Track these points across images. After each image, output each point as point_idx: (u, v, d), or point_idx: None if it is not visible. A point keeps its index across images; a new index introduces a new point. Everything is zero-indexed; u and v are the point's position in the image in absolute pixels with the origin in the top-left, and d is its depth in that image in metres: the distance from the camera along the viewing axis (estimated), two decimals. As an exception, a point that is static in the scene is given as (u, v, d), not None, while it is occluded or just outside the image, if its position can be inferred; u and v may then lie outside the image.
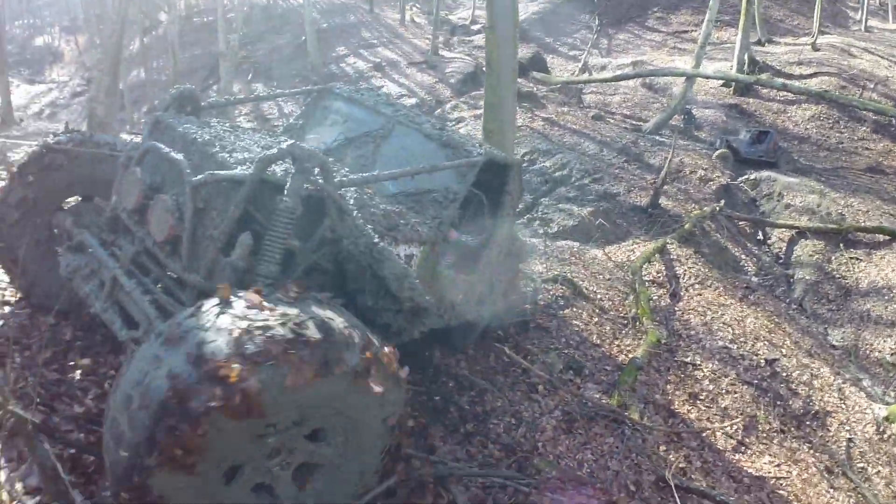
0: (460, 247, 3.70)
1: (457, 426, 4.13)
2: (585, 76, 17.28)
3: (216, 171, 2.44)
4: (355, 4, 25.45)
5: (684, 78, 14.36)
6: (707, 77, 14.83)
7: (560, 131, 14.42)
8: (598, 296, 8.20)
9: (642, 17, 23.12)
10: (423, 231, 3.23)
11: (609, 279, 8.72)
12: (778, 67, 17.84)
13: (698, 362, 7.15)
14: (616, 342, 7.09)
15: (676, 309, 8.20)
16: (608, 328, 7.34)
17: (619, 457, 4.64)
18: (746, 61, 16.36)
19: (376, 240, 2.52)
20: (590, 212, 11.58)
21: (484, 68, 19.68)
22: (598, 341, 6.90)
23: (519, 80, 17.31)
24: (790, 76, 16.94)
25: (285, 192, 2.34)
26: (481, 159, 3.69)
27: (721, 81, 16.20)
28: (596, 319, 7.35)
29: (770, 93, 16.22)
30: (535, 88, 16.81)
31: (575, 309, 7.38)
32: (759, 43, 19.53)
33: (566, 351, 6.29)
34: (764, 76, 15.07)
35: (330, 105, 4.14)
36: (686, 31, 21.79)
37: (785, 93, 15.41)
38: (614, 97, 16.17)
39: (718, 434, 5.88)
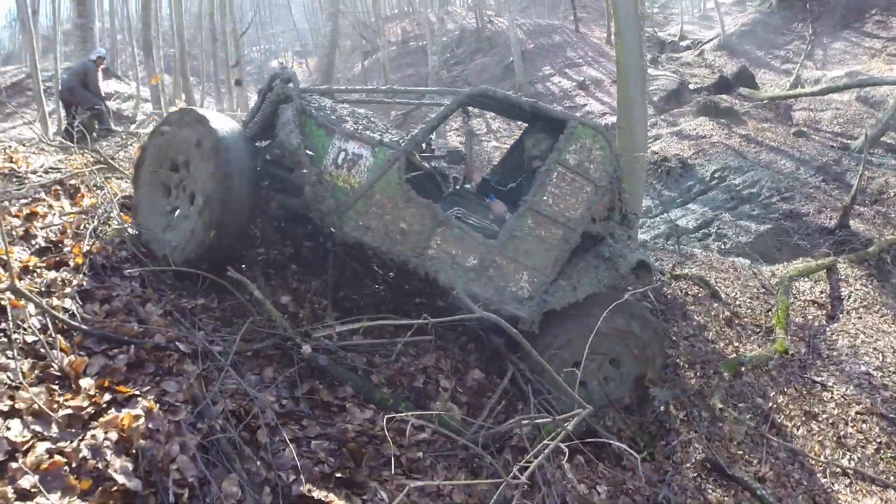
0: (497, 222, 4.02)
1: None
2: (792, 91, 16.36)
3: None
4: (561, 25, 26.99)
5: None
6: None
7: (757, 148, 14.12)
8: (737, 302, 8.41)
9: (860, 23, 20.56)
10: (375, 137, 3.72)
11: (759, 292, 8.81)
12: None
13: (830, 384, 6.91)
14: (735, 345, 7.25)
15: (828, 329, 8.00)
16: (733, 332, 7.57)
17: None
18: None
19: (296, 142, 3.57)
20: (768, 229, 11.39)
21: (688, 84, 19.83)
22: (713, 339, 7.21)
23: (721, 95, 17.23)
24: None
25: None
26: (469, 92, 4.07)
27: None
28: (723, 321, 7.67)
29: None
30: (736, 104, 16.51)
31: (702, 306, 7.81)
32: None
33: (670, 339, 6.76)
34: None
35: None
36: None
37: None
38: (825, 113, 15.06)
39: (821, 459, 5.71)
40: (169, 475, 1.90)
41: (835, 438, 6.10)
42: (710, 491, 4.42)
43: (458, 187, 4.67)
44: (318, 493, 2.23)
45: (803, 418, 6.25)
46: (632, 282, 6.43)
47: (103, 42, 21.85)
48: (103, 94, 8.84)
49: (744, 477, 4.65)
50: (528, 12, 32.88)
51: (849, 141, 13.53)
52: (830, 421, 6.33)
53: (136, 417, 2.01)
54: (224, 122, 3.71)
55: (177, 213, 3.78)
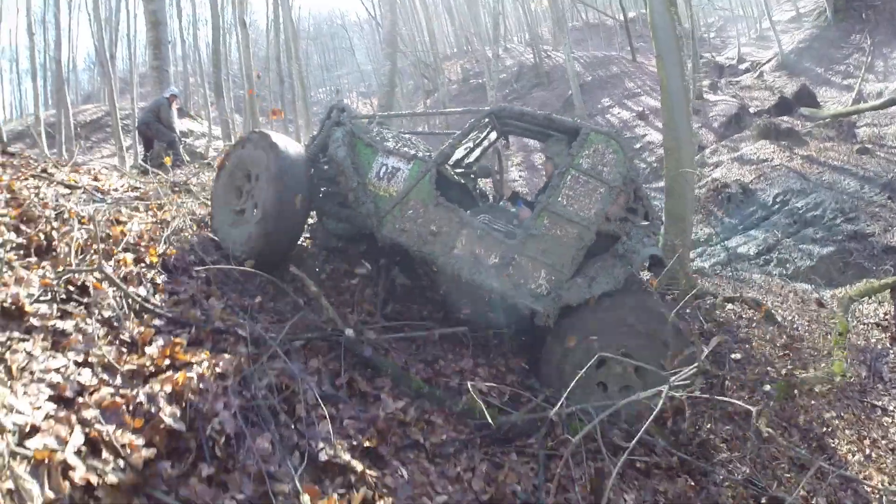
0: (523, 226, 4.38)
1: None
2: (853, 106, 15.82)
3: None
4: (618, 56, 27.17)
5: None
6: None
7: (819, 169, 13.73)
8: (794, 325, 8.22)
9: (921, 25, 19.63)
10: (411, 152, 4.39)
11: (818, 315, 8.57)
12: None
13: (892, 409, 6.73)
14: (789, 368, 7.00)
15: (891, 352, 7.67)
16: (787, 355, 7.41)
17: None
18: None
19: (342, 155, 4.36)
20: (831, 252, 11.02)
21: (748, 107, 19.51)
22: (766, 362, 7.02)
23: (782, 117, 16.88)
24: None
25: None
26: (490, 110, 4.70)
27: None
28: (778, 344, 7.51)
29: None
30: (798, 125, 16.14)
31: (757, 330, 7.67)
32: None
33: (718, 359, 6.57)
34: None
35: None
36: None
37: None
38: (889, 128, 14.47)
39: (878, 486, 5.41)
40: (210, 424, 2.25)
41: (894, 466, 5.83)
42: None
43: (490, 202, 5.02)
44: (341, 456, 2.51)
45: (861, 444, 6.03)
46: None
47: (177, 83, 23.79)
48: (177, 129, 9.69)
49: (786, 498, 4.39)
50: (585, 45, 33.24)
51: (920, 158, 12.98)
52: (890, 447, 6.10)
53: (189, 378, 2.39)
54: (290, 147, 4.39)
55: (244, 214, 4.44)
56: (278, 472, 2.25)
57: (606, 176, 4.08)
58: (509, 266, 4.10)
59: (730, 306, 8.17)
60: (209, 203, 5.13)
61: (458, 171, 5.37)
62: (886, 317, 8.42)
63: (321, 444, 2.61)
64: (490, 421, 3.39)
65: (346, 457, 2.57)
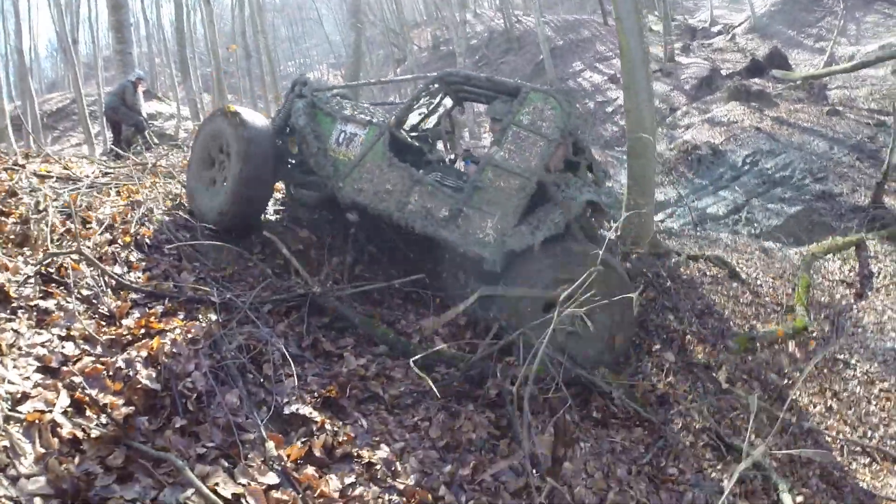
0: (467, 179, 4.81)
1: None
2: (825, 69, 16.13)
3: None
4: (589, 20, 27.10)
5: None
6: None
7: (789, 130, 14.06)
8: (759, 283, 8.52)
9: (893, -9, 19.92)
10: (367, 119, 4.78)
11: (783, 273, 8.89)
12: None
13: (853, 362, 6.83)
14: (752, 323, 7.04)
15: (855, 307, 8.00)
16: (750, 310, 7.64)
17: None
18: None
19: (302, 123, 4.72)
20: (798, 211, 11.39)
21: (720, 70, 19.70)
22: (728, 316, 7.24)
23: (753, 79, 17.14)
24: None
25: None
26: (437, 75, 5.13)
27: None
28: (741, 300, 7.79)
29: None
30: (768, 87, 16.41)
31: (720, 286, 7.94)
32: None
33: (679, 314, 6.87)
34: None
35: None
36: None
37: None
38: (860, 90, 14.81)
39: (839, 437, 5.62)
40: (182, 383, 2.48)
41: (856, 417, 6.05)
42: (706, 460, 4.41)
43: (444, 162, 5.30)
44: (304, 410, 2.75)
45: (821, 395, 6.22)
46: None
47: (142, 66, 23.34)
48: (143, 112, 9.74)
49: (739, 444, 4.50)
50: (556, 9, 32.96)
51: (885, 117, 13.32)
52: (852, 399, 6.29)
53: (163, 343, 2.61)
54: (257, 120, 4.78)
55: (216, 184, 4.80)
56: (246, 423, 2.51)
57: (545, 130, 4.39)
58: (458, 217, 4.45)
59: (694, 264, 8.45)
60: (180, 183, 5.31)
61: (415, 135, 5.64)
62: (851, 273, 8.76)
63: (286, 399, 2.85)
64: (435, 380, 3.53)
65: (308, 409, 2.80)
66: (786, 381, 6.11)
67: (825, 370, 6.78)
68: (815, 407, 6.05)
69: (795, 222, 11.22)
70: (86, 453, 2.04)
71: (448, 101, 5.78)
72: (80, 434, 2.07)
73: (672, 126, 17.77)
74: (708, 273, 8.29)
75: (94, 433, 2.10)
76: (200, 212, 4.74)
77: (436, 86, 5.36)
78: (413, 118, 5.72)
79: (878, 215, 10.31)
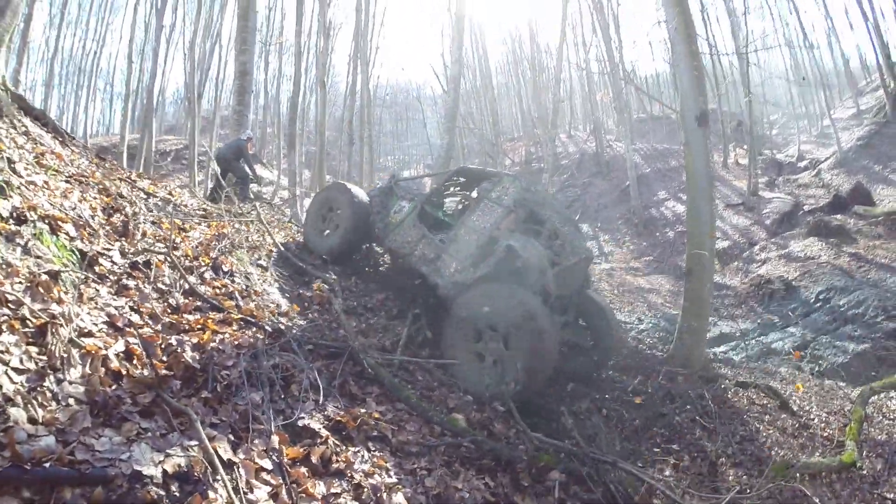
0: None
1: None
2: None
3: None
4: (678, 150, 27.52)
5: None
6: None
7: (866, 267, 13.62)
8: (811, 415, 8.15)
9: None
10: (412, 197, 6.79)
11: (840, 409, 8.46)
12: None
13: None
14: (796, 453, 6.94)
15: (913, 446, 7.45)
16: (797, 442, 7.33)
17: None
18: None
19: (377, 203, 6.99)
20: (866, 349, 10.84)
21: (803, 205, 19.42)
22: (771, 445, 6.95)
23: (835, 215, 16.81)
24: None
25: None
26: (456, 169, 7.20)
27: None
28: (787, 431, 7.47)
29: None
30: (849, 223, 16.09)
31: (767, 416, 7.67)
32: None
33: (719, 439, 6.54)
34: None
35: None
36: None
37: None
38: (950, 223, 14.22)
39: None
40: (219, 370, 2.95)
41: None
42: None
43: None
44: (314, 425, 3.09)
45: None
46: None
47: (253, 130, 25.33)
48: (252, 170, 10.77)
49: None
50: (648, 137, 33.86)
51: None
52: None
53: (212, 339, 3.11)
54: (360, 193, 7.11)
55: (326, 233, 7.11)
56: (261, 417, 2.87)
57: (504, 202, 5.87)
58: (438, 260, 6.05)
59: (744, 392, 8.21)
60: (268, 233, 7.02)
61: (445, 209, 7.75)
62: (921, 410, 8.24)
63: (302, 415, 3.15)
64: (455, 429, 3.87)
65: (319, 426, 3.13)
66: (825, 517, 5.83)
67: (871, 509, 6.36)
68: (857, 544, 5.74)
69: (861, 361, 10.67)
70: (122, 386, 2.48)
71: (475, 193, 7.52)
72: (123, 370, 2.54)
73: (748, 260, 17.44)
74: (757, 402, 8.05)
75: (135, 373, 2.56)
76: (315, 248, 7.05)
77: (457, 177, 7.44)
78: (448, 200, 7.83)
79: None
